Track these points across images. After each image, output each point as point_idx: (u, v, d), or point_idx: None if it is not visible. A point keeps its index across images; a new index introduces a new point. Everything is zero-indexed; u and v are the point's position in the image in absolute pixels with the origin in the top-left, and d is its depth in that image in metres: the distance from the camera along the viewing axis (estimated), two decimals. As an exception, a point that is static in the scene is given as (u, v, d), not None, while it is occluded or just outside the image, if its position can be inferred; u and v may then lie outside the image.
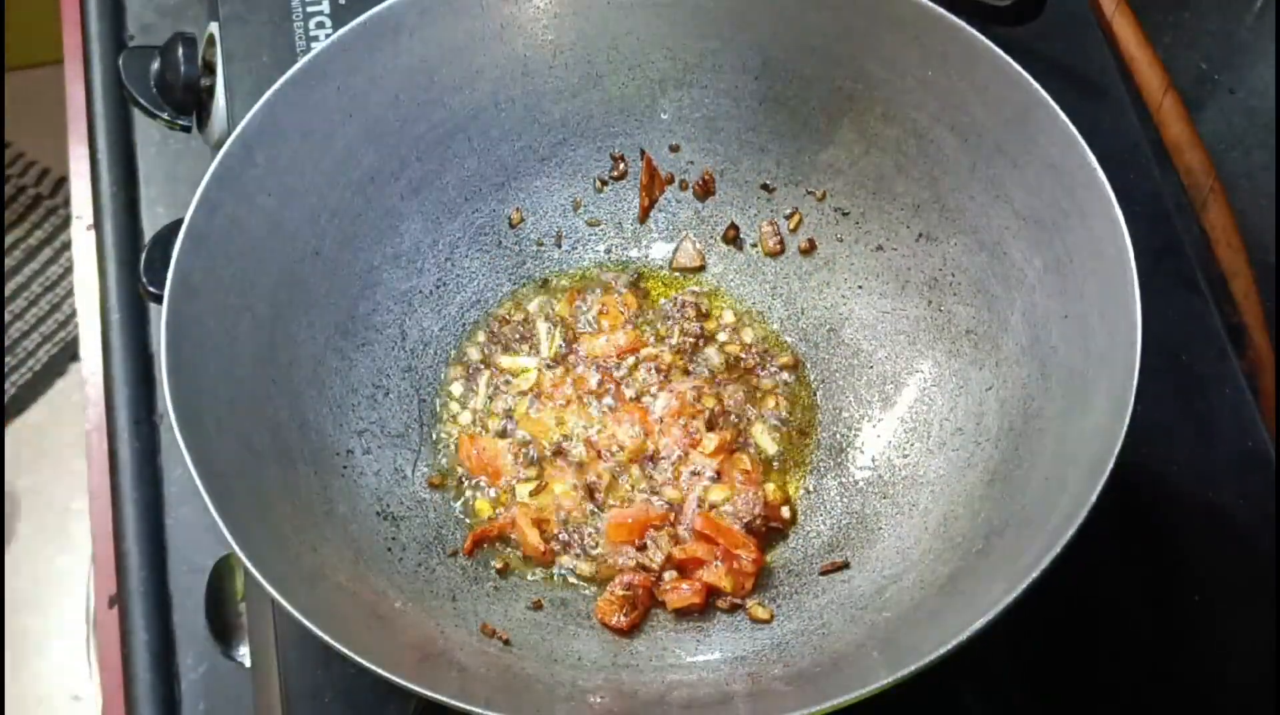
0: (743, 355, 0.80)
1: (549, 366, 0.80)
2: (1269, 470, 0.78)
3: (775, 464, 0.77)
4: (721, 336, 0.81)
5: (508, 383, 0.79)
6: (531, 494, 0.75)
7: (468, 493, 0.76)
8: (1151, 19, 0.94)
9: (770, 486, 0.75)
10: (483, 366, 0.80)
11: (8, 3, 1.85)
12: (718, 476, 0.75)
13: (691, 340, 0.80)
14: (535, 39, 0.80)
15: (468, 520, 0.75)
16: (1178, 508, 0.78)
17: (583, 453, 0.76)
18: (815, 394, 0.79)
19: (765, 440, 0.77)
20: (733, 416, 0.78)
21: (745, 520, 0.73)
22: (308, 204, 0.75)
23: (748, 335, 0.81)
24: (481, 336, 0.81)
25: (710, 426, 0.77)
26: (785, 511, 0.75)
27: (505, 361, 0.80)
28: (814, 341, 0.81)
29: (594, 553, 0.73)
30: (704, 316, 0.82)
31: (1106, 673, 0.72)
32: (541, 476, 0.76)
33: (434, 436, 0.78)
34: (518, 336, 0.81)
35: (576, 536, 0.74)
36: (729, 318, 0.82)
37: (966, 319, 0.75)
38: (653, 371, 0.79)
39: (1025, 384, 0.70)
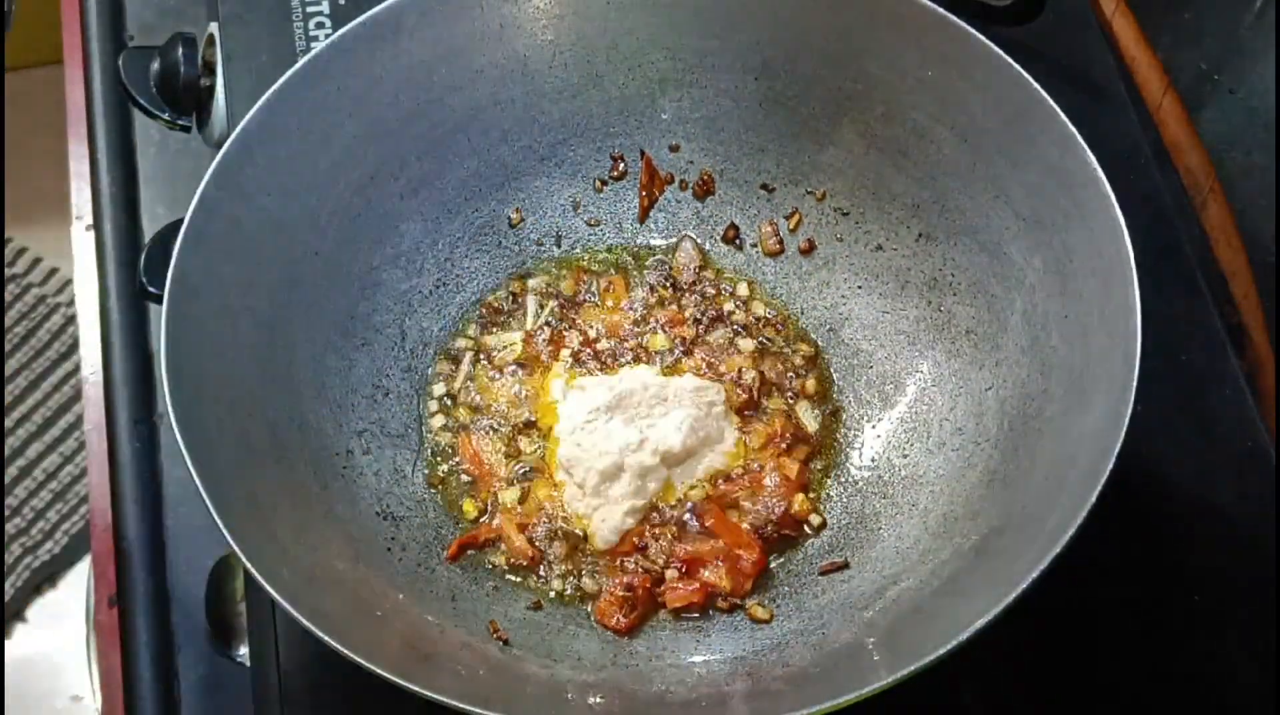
0: (762, 329, 0.80)
1: (546, 341, 0.80)
2: (1269, 470, 0.78)
3: (816, 464, 0.76)
4: (729, 305, 0.81)
5: (492, 360, 0.79)
6: (520, 501, 0.75)
7: (455, 494, 0.76)
8: (1151, 19, 0.94)
9: (799, 497, 0.75)
10: (468, 352, 0.80)
11: (8, 3, 1.85)
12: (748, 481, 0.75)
13: (712, 312, 0.80)
14: (535, 39, 0.80)
15: (457, 523, 0.75)
16: (1178, 508, 0.78)
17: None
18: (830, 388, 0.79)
19: (808, 417, 0.77)
20: (776, 389, 0.78)
21: (758, 524, 0.73)
22: (308, 204, 0.75)
23: (758, 308, 0.81)
24: (472, 328, 0.81)
25: (752, 404, 0.76)
26: (814, 520, 0.74)
27: (490, 340, 0.80)
28: (814, 342, 0.81)
29: (591, 569, 0.73)
30: (720, 294, 0.82)
31: (1106, 673, 0.72)
32: (531, 482, 0.75)
33: (433, 434, 0.78)
34: (505, 316, 0.81)
35: (570, 555, 0.73)
36: (742, 290, 0.82)
37: (966, 319, 0.75)
38: (674, 339, 0.79)
39: (1025, 384, 0.70)
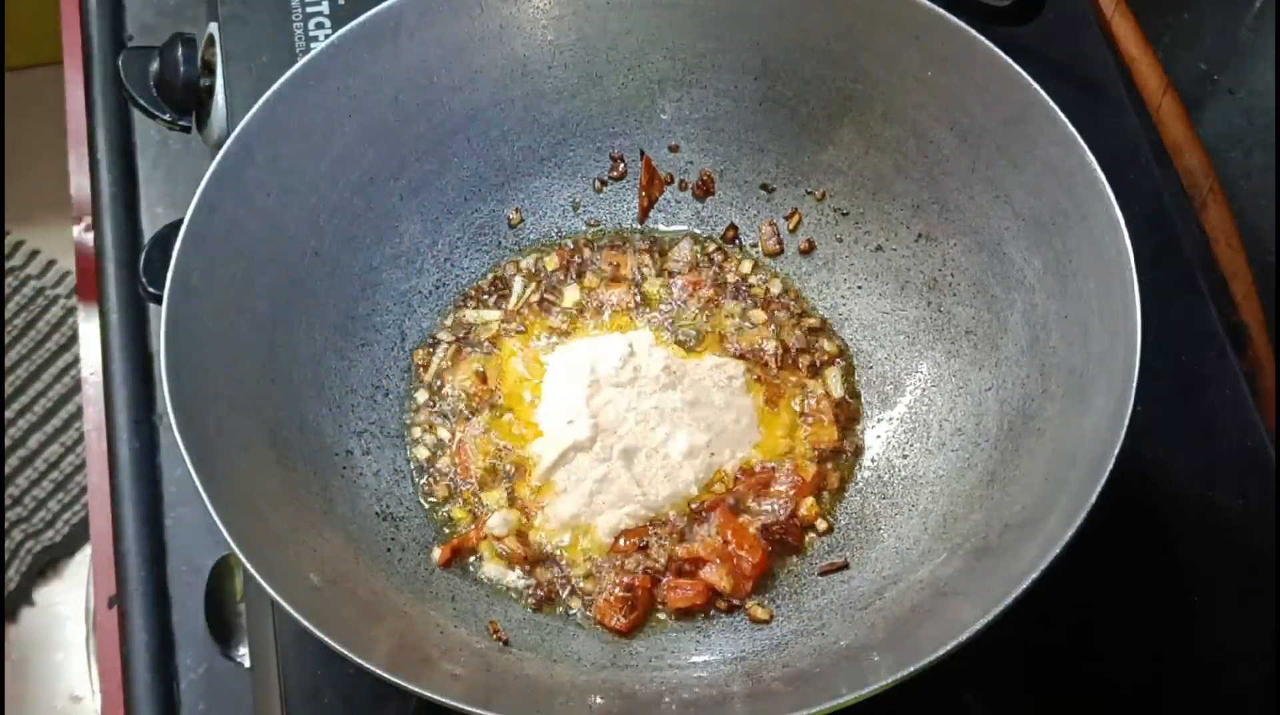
0: (774, 302, 0.80)
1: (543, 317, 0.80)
2: (1269, 470, 0.78)
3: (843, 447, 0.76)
4: (752, 278, 0.82)
5: (465, 341, 0.79)
6: (507, 502, 0.74)
7: (445, 502, 0.75)
8: (1151, 19, 0.94)
9: (809, 501, 0.74)
10: (443, 342, 0.80)
11: (8, 3, 1.85)
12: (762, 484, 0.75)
13: (724, 278, 0.81)
14: (535, 39, 0.80)
15: (445, 529, 0.74)
16: (1178, 508, 0.78)
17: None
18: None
19: (835, 383, 0.77)
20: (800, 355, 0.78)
21: (765, 524, 0.73)
22: (308, 204, 0.75)
23: (775, 286, 0.81)
24: (450, 320, 0.81)
25: (774, 373, 0.77)
26: (820, 525, 0.74)
27: (469, 315, 0.80)
28: (819, 315, 0.81)
29: (589, 572, 0.73)
30: (728, 259, 0.82)
31: (1106, 672, 0.72)
32: (514, 482, 0.75)
33: (415, 440, 0.77)
34: (487, 294, 0.81)
35: (567, 554, 0.73)
36: (746, 267, 0.82)
37: (966, 319, 0.75)
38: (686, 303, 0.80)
39: (1025, 384, 0.70)
